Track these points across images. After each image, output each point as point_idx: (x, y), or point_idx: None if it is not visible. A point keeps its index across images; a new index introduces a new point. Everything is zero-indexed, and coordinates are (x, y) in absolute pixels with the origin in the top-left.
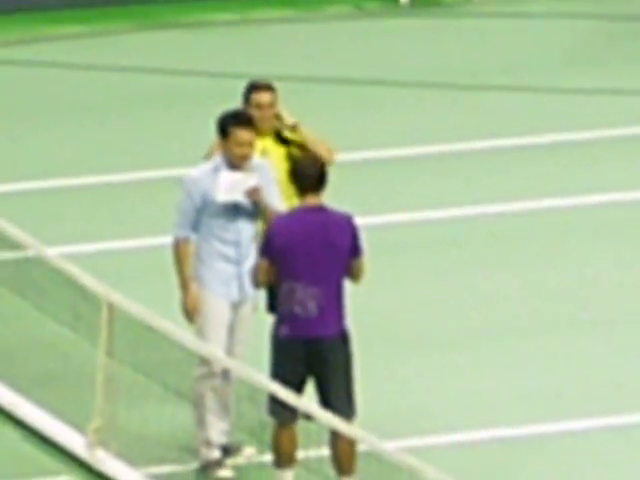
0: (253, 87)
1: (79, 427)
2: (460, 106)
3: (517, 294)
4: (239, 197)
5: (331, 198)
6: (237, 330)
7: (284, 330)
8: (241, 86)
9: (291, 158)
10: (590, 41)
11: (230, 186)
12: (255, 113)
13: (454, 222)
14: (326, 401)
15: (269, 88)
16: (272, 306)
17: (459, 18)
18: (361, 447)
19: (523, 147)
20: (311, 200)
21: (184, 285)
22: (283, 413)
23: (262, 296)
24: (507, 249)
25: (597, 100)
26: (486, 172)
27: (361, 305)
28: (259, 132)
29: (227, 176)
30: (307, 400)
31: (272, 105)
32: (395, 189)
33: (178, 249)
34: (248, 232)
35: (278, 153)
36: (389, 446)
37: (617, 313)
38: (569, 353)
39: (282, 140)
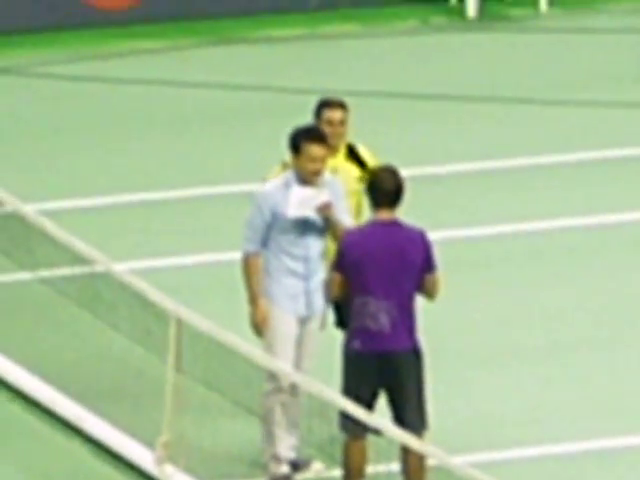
0: (325, 104)
1: (148, 443)
2: (528, 120)
3: (590, 307)
4: (310, 213)
5: (400, 212)
6: (305, 345)
7: (356, 344)
8: (309, 101)
9: (369, 171)
10: None
11: (301, 202)
12: (326, 130)
13: (526, 236)
14: (398, 415)
15: (341, 105)
16: (340, 321)
17: (526, 32)
18: (431, 461)
19: (595, 161)
20: (385, 214)
21: (253, 300)
22: (354, 427)
23: (331, 311)
24: (580, 262)
25: None
26: (558, 186)
27: (432, 320)
28: (329, 149)
29: (298, 192)
30: (378, 414)
31: (343, 122)
32: (463, 204)
33: (248, 263)
34: (317, 248)
35: (349, 173)
36: (459, 460)
37: None
38: (635, 367)
39: (355, 157)
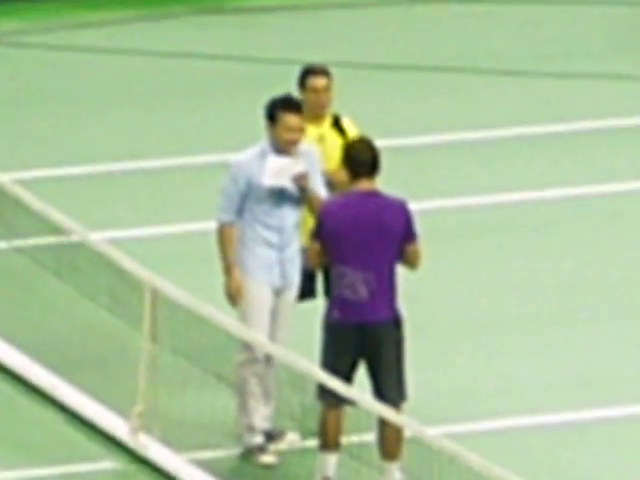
0: (308, 72)
1: (122, 412)
2: (505, 92)
3: (562, 279)
4: (286, 183)
5: (380, 183)
6: (279, 316)
7: (335, 314)
8: (293, 72)
9: (345, 142)
10: (631, 28)
11: (277, 171)
12: (311, 98)
13: (498, 208)
14: (377, 385)
15: (325, 73)
16: (311, 291)
17: (503, 4)
18: (406, 433)
19: (570, 133)
20: (364, 185)
21: (227, 269)
22: (330, 397)
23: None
24: (553, 234)
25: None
26: (532, 158)
27: (410, 290)
28: (315, 118)
29: (274, 161)
30: (357, 385)
31: (328, 89)
32: (442, 174)
33: (222, 233)
34: (292, 218)
35: (335, 142)
36: (434, 432)
37: None
38: (614, 339)
39: (340, 129)
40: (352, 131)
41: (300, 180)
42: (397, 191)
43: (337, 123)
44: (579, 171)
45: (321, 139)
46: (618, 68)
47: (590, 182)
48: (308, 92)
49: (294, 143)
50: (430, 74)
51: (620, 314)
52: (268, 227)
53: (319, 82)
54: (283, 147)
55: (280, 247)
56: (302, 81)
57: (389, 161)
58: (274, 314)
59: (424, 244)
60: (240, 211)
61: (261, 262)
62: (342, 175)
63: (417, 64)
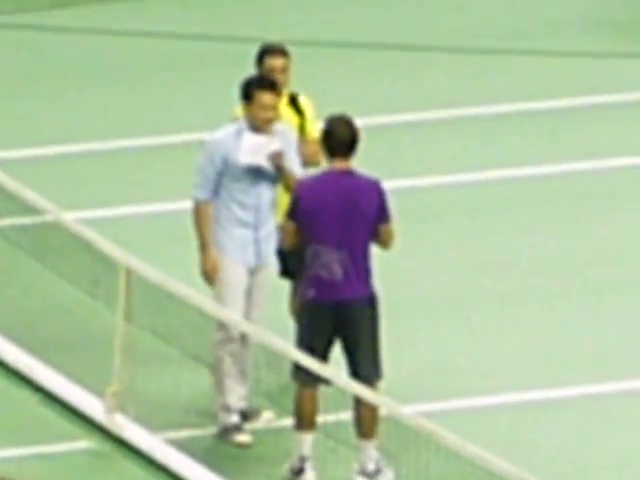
0: (266, 51)
1: (98, 392)
2: (479, 70)
3: (539, 257)
4: (262, 161)
5: (355, 162)
6: (254, 295)
7: (310, 293)
8: (250, 50)
9: (325, 119)
10: (604, 5)
11: (253, 149)
12: None
13: (476, 186)
14: (353, 363)
15: (282, 52)
16: (286, 270)
17: None
18: (382, 411)
19: (545, 111)
20: (340, 164)
21: (203, 247)
22: (306, 376)
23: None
24: (529, 213)
25: (611, 63)
26: (508, 135)
27: (385, 269)
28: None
29: (250, 139)
30: (333, 363)
31: (285, 69)
32: (416, 154)
33: (198, 211)
34: (268, 197)
35: (292, 120)
36: (411, 410)
37: (633, 277)
38: (586, 317)
39: (296, 108)
40: (309, 109)
41: (276, 158)
42: (371, 170)
43: (294, 102)
44: (551, 150)
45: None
46: (593, 45)
47: (563, 159)
48: (265, 71)
49: (270, 121)
50: (405, 53)
51: (592, 290)
52: (244, 206)
53: (277, 62)
54: (259, 125)
55: (255, 226)
56: (259, 60)
57: (364, 140)
58: (249, 293)
59: (398, 223)
60: (216, 189)
61: (236, 242)
62: (310, 149)
63: (391, 42)
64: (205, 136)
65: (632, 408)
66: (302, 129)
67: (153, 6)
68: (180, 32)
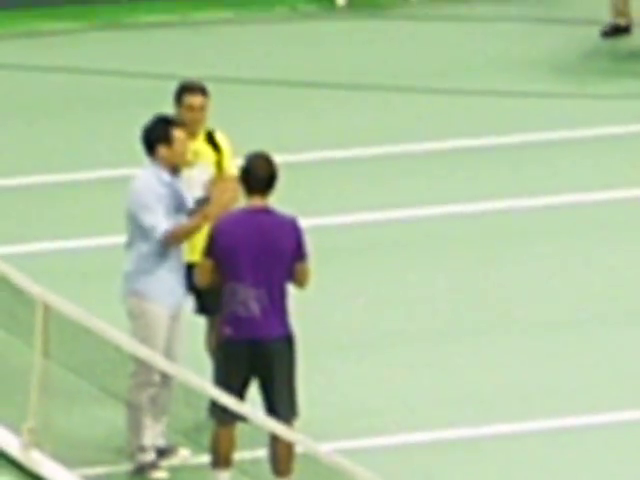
0: (185, 88)
1: (14, 428)
2: (395, 108)
3: (457, 293)
4: (198, 192)
5: (272, 199)
6: (174, 330)
7: (228, 331)
8: (174, 87)
9: (244, 156)
10: (522, 44)
11: (190, 183)
12: (186, 115)
13: (392, 224)
14: (269, 402)
15: (202, 90)
16: (202, 308)
17: (395, 20)
18: (298, 449)
19: (460, 149)
20: (257, 202)
21: (197, 223)
22: (223, 414)
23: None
24: (448, 250)
25: (529, 102)
26: (425, 173)
27: (301, 307)
28: (190, 134)
29: (187, 173)
30: (249, 401)
31: (204, 108)
32: (334, 192)
33: (174, 235)
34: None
35: (209, 158)
36: (326, 448)
37: (565, 315)
38: (505, 357)
39: (214, 144)
40: (225, 145)
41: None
42: (288, 207)
43: (211, 138)
44: (466, 188)
45: (196, 155)
46: (504, 85)
47: (483, 198)
48: (184, 109)
49: (187, 163)
50: (326, 90)
51: (529, 326)
52: (176, 247)
53: (196, 100)
54: (179, 165)
55: (178, 267)
56: (178, 98)
57: (281, 177)
58: (169, 330)
59: (315, 261)
60: (148, 234)
61: (166, 286)
62: (227, 185)
63: (311, 80)
64: (120, 173)
65: (548, 449)
66: (219, 165)
67: (75, 41)
68: (96, 68)
